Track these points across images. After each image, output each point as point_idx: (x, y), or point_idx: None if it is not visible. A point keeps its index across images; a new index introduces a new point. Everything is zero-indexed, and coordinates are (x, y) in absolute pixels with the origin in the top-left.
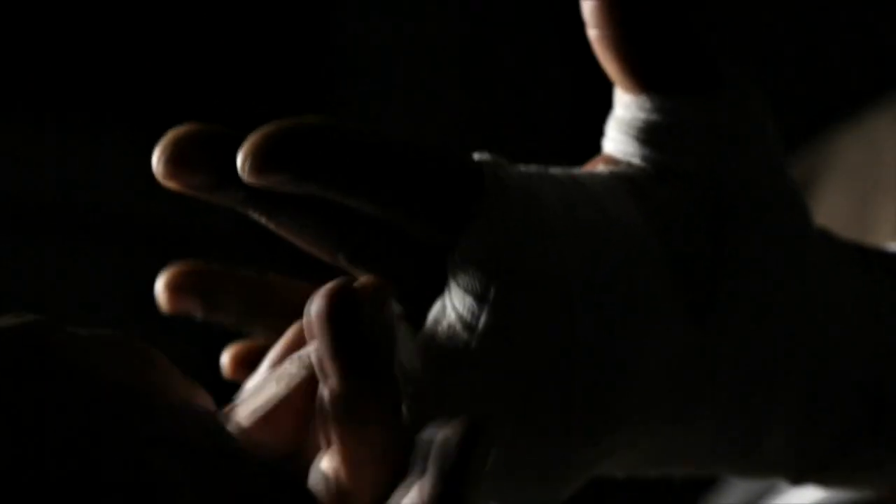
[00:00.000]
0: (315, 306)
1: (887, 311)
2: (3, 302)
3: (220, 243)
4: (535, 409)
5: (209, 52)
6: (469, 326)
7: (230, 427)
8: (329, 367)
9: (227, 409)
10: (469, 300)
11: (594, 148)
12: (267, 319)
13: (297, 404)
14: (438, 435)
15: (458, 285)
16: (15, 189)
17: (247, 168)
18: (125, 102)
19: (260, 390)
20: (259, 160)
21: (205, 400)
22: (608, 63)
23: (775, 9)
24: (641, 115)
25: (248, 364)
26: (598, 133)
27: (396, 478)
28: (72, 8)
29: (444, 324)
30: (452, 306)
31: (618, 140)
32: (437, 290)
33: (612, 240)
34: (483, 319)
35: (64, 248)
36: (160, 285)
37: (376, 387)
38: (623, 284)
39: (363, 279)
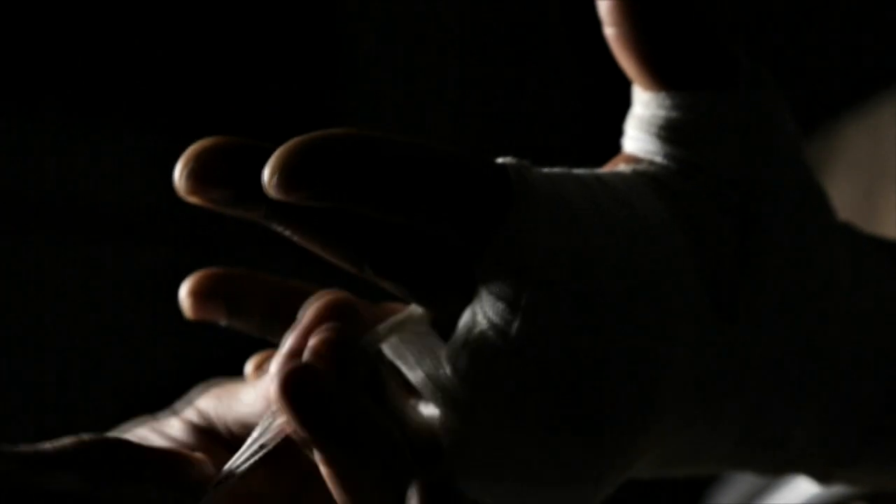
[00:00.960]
0: (272, 387)
1: None
2: (4, 301)
3: (227, 241)
4: (569, 411)
5: (213, 49)
6: (502, 332)
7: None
8: (308, 443)
9: (218, 477)
10: (501, 306)
11: (606, 151)
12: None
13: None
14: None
15: (489, 292)
16: (16, 187)
17: (274, 184)
18: (127, 101)
19: (243, 457)
20: (287, 176)
21: (195, 473)
22: (626, 61)
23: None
24: (661, 113)
25: None
26: (610, 136)
27: None
28: (78, 7)
29: (476, 331)
30: (483, 313)
31: (638, 138)
32: (465, 299)
33: (641, 238)
34: (516, 324)
35: (65, 246)
36: (184, 291)
37: (357, 453)
38: (654, 284)
39: (316, 338)
